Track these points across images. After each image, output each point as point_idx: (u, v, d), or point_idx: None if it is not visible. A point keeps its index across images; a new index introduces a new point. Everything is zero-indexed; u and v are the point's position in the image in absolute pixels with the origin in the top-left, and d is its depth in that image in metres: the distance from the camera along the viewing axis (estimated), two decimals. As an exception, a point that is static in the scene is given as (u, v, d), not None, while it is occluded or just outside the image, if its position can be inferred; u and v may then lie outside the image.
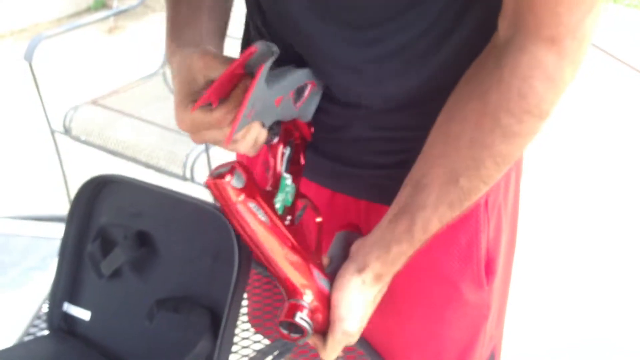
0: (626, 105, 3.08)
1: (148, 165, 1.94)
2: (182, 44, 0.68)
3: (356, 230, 0.74)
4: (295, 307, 0.62)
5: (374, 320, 0.67)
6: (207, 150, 1.90)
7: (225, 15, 0.74)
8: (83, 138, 2.04)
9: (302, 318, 0.62)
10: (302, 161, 0.73)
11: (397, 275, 0.68)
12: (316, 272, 0.64)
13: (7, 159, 2.58)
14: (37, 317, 0.87)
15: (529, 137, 0.60)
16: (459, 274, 0.78)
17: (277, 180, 0.67)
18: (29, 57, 2.00)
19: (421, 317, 0.82)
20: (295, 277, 0.63)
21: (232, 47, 0.84)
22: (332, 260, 0.69)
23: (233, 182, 0.59)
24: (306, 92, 0.69)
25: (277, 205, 0.65)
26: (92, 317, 0.80)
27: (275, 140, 0.68)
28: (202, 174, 1.94)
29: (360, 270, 0.64)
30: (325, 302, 0.64)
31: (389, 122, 0.71)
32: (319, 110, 0.73)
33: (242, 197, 0.60)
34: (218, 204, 0.62)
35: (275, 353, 0.86)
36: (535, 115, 0.58)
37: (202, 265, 0.76)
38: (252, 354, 0.85)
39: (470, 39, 0.63)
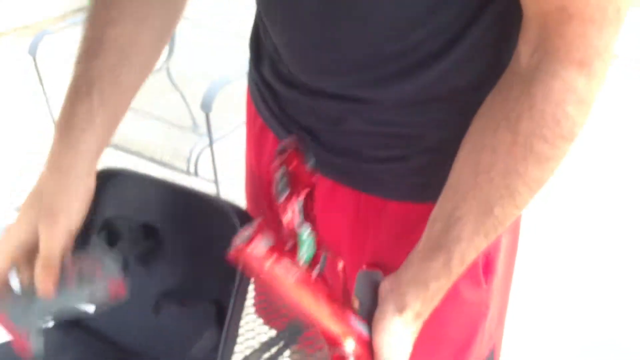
0: (627, 103, 3.07)
1: (152, 160, 1.95)
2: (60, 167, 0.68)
3: (378, 269, 0.73)
4: (340, 358, 0.61)
5: None
6: (211, 145, 1.90)
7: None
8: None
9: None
10: (313, 208, 0.71)
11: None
12: (352, 318, 0.63)
13: (11, 153, 2.59)
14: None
15: (561, 160, 0.60)
16: None
17: (295, 235, 0.66)
18: (33, 51, 2.00)
19: None
20: (334, 326, 0.61)
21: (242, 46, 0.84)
22: (362, 302, 0.67)
23: (262, 246, 0.58)
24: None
25: (303, 260, 0.63)
26: (96, 308, 0.81)
27: (285, 195, 0.67)
28: (206, 169, 1.94)
29: (401, 310, 0.63)
30: (367, 347, 0.63)
31: (390, 118, 0.71)
32: (319, 101, 0.73)
33: (271, 261, 0.59)
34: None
35: (281, 344, 0.87)
36: (568, 139, 0.58)
37: (207, 257, 0.76)
38: (257, 346, 0.86)
39: (482, 41, 0.63)
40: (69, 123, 0.69)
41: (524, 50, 0.59)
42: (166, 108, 2.14)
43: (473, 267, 0.77)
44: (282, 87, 0.78)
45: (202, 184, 1.93)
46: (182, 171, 1.90)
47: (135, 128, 2.05)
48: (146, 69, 0.75)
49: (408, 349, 0.64)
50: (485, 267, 0.79)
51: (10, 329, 0.64)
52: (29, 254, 0.65)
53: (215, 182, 1.96)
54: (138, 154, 1.97)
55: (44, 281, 0.62)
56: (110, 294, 0.69)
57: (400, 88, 0.68)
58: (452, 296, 0.79)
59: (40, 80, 2.05)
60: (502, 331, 0.93)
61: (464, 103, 0.66)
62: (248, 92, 0.92)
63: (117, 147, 2.00)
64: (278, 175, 0.67)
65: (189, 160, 1.90)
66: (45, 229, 0.64)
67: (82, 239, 0.81)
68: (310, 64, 0.72)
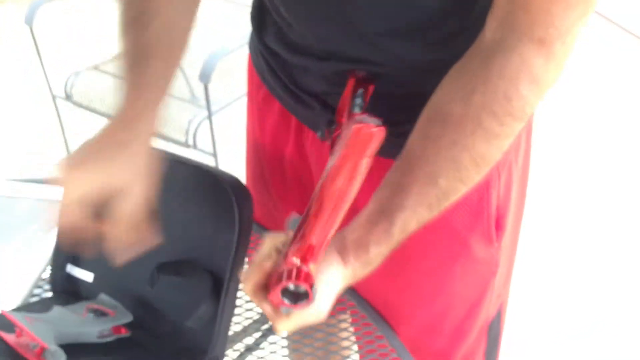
0: (633, 76, 3.05)
1: (150, 132, 1.93)
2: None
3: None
4: (309, 276, 0.57)
5: (380, 276, 0.66)
6: (209, 117, 1.89)
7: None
8: (85, 104, 2.03)
9: (313, 286, 0.57)
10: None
11: None
12: None
13: (10, 124, 2.58)
14: (41, 279, 0.87)
15: (509, 139, 0.60)
16: (469, 229, 0.78)
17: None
18: (29, 21, 1.98)
19: (429, 272, 0.82)
20: (326, 246, 0.58)
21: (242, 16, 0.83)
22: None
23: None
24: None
25: None
26: (95, 278, 0.81)
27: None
28: (205, 141, 1.93)
29: (344, 265, 0.63)
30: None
31: (404, 79, 0.71)
32: (331, 65, 0.73)
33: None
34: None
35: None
36: (517, 118, 0.58)
37: (203, 229, 0.76)
38: (256, 317, 0.86)
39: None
40: (136, 92, 0.72)
41: (490, 23, 0.58)
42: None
43: (485, 223, 0.78)
44: (290, 54, 0.78)
45: (200, 156, 1.92)
46: (180, 143, 1.89)
47: (133, 99, 2.04)
48: (188, 31, 0.76)
49: (335, 295, 0.62)
50: (496, 223, 0.79)
51: (30, 338, 0.67)
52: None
53: (214, 154, 1.95)
54: (136, 126, 1.95)
55: (128, 239, 0.67)
56: (114, 332, 0.74)
57: (413, 53, 0.68)
58: (464, 254, 0.80)
59: (37, 50, 2.02)
60: (508, 290, 0.93)
61: None
62: (250, 62, 0.91)
63: (115, 118, 1.98)
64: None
65: (187, 132, 1.89)
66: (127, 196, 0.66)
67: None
68: (324, 34, 0.71)
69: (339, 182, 0.53)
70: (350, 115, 0.69)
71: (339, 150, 0.53)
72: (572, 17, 0.55)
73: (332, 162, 0.54)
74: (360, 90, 0.70)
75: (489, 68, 0.58)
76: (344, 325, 0.89)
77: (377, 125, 0.51)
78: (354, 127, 0.51)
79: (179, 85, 2.14)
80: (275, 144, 0.90)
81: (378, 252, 0.63)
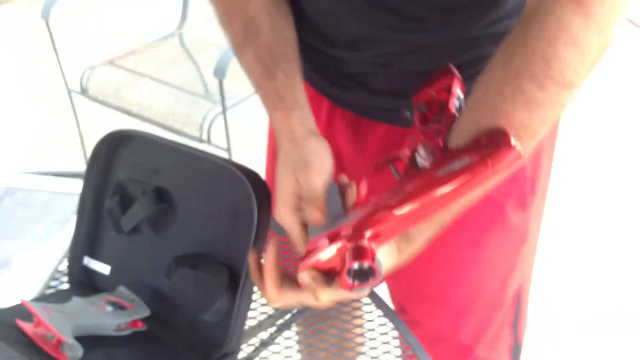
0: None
1: (164, 127, 1.94)
2: (289, 107, 0.70)
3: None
4: (372, 252, 0.55)
5: (416, 256, 0.64)
6: (224, 112, 1.89)
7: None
8: (100, 98, 2.04)
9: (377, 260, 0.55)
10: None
11: None
12: None
13: (26, 118, 2.59)
14: (58, 271, 0.87)
15: (552, 108, 0.57)
16: (504, 194, 0.78)
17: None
18: (45, 15, 1.99)
19: (465, 245, 0.82)
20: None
21: None
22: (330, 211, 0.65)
23: None
24: None
25: None
26: (111, 271, 0.81)
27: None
28: (219, 137, 1.93)
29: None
30: None
31: (445, 55, 0.71)
32: (366, 46, 0.73)
33: None
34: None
35: (294, 311, 0.87)
36: (557, 82, 0.56)
37: (220, 222, 0.76)
38: (271, 312, 0.86)
39: None
40: (275, 92, 0.72)
41: None
42: (179, 75, 2.12)
43: (520, 186, 0.77)
44: (325, 45, 0.78)
45: (214, 152, 1.93)
46: (194, 138, 1.89)
47: (147, 95, 2.04)
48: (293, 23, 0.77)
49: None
50: (529, 187, 0.79)
51: (48, 329, 0.67)
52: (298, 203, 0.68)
53: (228, 149, 1.96)
54: (150, 121, 1.96)
55: (313, 214, 0.65)
56: (131, 326, 0.73)
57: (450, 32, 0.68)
58: (500, 221, 0.79)
59: (54, 44, 2.03)
60: (533, 260, 0.91)
61: None
62: None
63: (129, 113, 1.99)
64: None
65: (201, 128, 1.89)
66: (303, 176, 0.67)
67: (95, 202, 0.81)
68: (367, 21, 0.72)
69: (454, 191, 0.53)
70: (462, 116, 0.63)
71: (470, 159, 0.53)
72: None
73: (454, 166, 0.53)
74: (458, 90, 0.66)
75: (527, 31, 0.56)
76: (358, 321, 0.88)
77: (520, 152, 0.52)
78: (507, 150, 0.51)
79: (193, 80, 2.15)
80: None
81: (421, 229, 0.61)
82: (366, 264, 0.54)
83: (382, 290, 0.91)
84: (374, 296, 0.85)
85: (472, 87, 0.60)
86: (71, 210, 0.97)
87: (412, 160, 0.61)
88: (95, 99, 2.05)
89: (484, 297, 0.86)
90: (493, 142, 0.54)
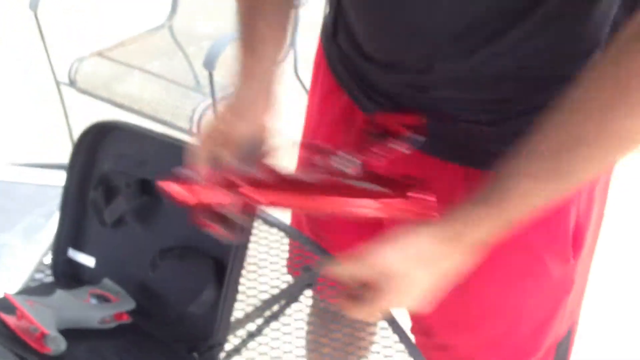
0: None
1: (154, 119, 1.92)
2: (260, 59, 0.75)
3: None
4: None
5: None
6: (214, 104, 1.88)
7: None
8: (89, 90, 2.02)
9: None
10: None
11: None
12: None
13: (14, 109, 2.57)
14: (43, 264, 0.87)
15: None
16: (544, 245, 0.76)
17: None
18: (34, 6, 1.97)
19: (499, 286, 0.80)
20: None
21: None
22: None
23: None
24: None
25: None
26: (96, 263, 0.80)
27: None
28: (209, 128, 1.92)
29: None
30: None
31: (481, 84, 0.68)
32: (404, 69, 0.71)
33: None
34: None
35: (282, 302, 0.86)
36: None
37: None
38: (259, 304, 0.85)
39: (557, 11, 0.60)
40: (250, 38, 0.76)
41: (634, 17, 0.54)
42: (169, 67, 2.11)
43: (562, 240, 0.75)
44: (360, 58, 0.77)
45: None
46: (184, 131, 1.88)
47: (137, 86, 2.03)
48: None
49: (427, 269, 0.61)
50: (574, 240, 0.76)
51: (31, 322, 0.67)
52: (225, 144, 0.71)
53: (218, 142, 1.95)
54: (140, 113, 1.95)
55: (225, 157, 0.69)
56: (115, 319, 0.74)
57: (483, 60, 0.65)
58: (538, 271, 0.78)
59: (42, 36, 2.01)
60: (580, 308, 0.90)
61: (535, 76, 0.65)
62: (319, 51, 0.90)
63: (118, 105, 1.98)
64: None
65: (191, 120, 1.88)
66: (234, 121, 0.72)
67: (79, 194, 0.80)
68: (392, 44, 0.71)
69: (346, 202, 0.59)
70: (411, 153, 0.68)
71: (388, 194, 0.57)
72: None
73: (369, 186, 0.58)
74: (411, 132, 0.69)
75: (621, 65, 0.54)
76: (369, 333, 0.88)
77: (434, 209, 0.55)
78: (422, 197, 0.56)
79: (183, 72, 2.13)
80: (335, 138, 0.87)
81: (479, 214, 0.59)
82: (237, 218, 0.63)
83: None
84: (391, 319, 0.85)
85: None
86: (57, 202, 0.96)
87: (337, 159, 0.64)
88: (84, 91, 2.03)
89: (516, 338, 0.85)
90: (417, 187, 0.59)
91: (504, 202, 0.58)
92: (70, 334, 0.68)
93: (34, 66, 2.61)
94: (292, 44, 2.12)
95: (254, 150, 0.71)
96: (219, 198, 0.62)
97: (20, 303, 0.68)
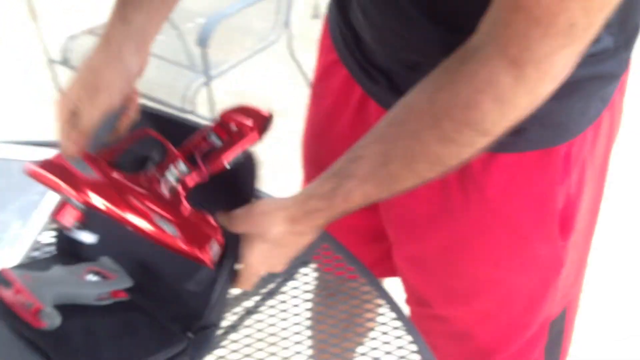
0: None
1: (148, 97, 1.91)
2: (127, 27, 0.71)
3: None
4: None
5: (441, 260, 0.70)
6: (207, 82, 1.87)
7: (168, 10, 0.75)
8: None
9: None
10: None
11: (466, 219, 0.72)
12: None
13: (5, 87, 2.55)
14: (38, 241, 0.87)
15: (467, 149, 0.59)
16: (530, 226, 0.77)
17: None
18: (24, -17, 1.95)
19: (488, 262, 0.82)
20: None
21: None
22: None
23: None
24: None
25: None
26: (98, 241, 0.80)
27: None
28: (203, 107, 1.92)
29: (284, 208, 0.67)
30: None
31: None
32: (393, 42, 0.72)
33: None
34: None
35: (279, 280, 0.86)
36: (473, 129, 0.57)
37: (204, 192, 0.75)
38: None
39: None
40: (116, 11, 0.72)
41: (479, 27, 0.56)
42: (162, 45, 2.08)
43: (548, 221, 0.77)
44: (363, 31, 0.76)
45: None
46: (178, 109, 1.87)
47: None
48: None
49: (272, 239, 0.67)
50: (562, 222, 0.77)
51: (27, 297, 0.67)
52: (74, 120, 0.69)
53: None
54: (133, 91, 1.94)
55: (70, 142, 0.68)
56: (112, 296, 0.73)
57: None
58: (524, 249, 0.79)
59: (34, 13, 1.99)
60: (578, 290, 0.91)
61: None
62: (325, 27, 0.89)
63: (112, 83, 1.97)
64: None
65: (184, 98, 1.87)
66: (87, 101, 0.68)
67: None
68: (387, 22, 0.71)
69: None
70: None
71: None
72: (551, 45, 0.52)
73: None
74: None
75: (460, 70, 0.56)
76: (368, 313, 0.89)
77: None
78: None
79: (177, 50, 2.12)
80: (334, 112, 0.89)
81: (316, 207, 0.65)
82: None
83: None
84: (388, 298, 0.86)
85: None
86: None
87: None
88: (76, 69, 2.02)
89: (509, 312, 0.87)
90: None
91: (332, 199, 0.63)
92: (66, 310, 0.68)
93: (25, 44, 2.58)
94: (287, 23, 2.10)
95: (109, 123, 0.71)
96: (52, 184, 0.65)
97: (16, 277, 0.68)
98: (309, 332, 0.82)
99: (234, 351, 0.78)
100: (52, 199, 0.92)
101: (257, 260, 0.69)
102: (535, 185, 0.75)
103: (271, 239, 0.67)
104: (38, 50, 2.05)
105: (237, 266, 0.70)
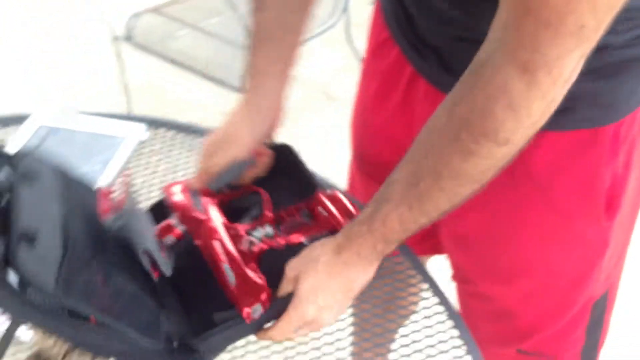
0: None
1: (205, 76, 1.95)
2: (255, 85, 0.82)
3: None
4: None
5: (489, 240, 0.71)
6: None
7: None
8: (144, 45, 2.06)
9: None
10: None
11: (511, 197, 0.74)
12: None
13: (71, 64, 2.64)
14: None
15: (488, 161, 0.58)
16: (575, 206, 0.77)
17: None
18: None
19: (533, 242, 0.83)
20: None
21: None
22: None
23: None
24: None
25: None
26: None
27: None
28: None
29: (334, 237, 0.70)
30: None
31: None
32: (446, 26, 0.72)
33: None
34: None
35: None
36: (491, 139, 0.56)
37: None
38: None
39: None
40: (254, 68, 0.82)
41: (490, 34, 0.56)
42: (222, 25, 2.13)
43: (594, 200, 0.77)
44: (415, 7, 0.77)
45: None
46: (235, 89, 1.90)
47: (190, 44, 2.06)
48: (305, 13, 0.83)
49: (323, 280, 0.68)
50: (608, 202, 0.77)
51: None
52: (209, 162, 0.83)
53: (267, 102, 1.96)
54: (192, 70, 1.98)
55: (197, 177, 0.82)
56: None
57: None
58: (568, 229, 0.80)
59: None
60: (620, 272, 0.91)
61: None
62: (377, 7, 0.90)
63: (172, 61, 2.01)
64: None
65: (241, 78, 1.90)
66: (219, 149, 0.81)
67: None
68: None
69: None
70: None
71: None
72: (562, 48, 0.51)
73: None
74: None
75: (474, 81, 0.56)
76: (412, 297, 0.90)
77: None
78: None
79: (236, 31, 2.15)
80: (384, 91, 0.90)
81: (358, 231, 0.66)
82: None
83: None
84: (431, 282, 0.87)
85: None
86: (113, 151, 1.00)
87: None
88: (140, 46, 2.07)
89: (551, 293, 0.87)
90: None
91: (371, 223, 0.65)
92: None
93: (90, 21, 2.66)
94: (345, 9, 2.11)
95: (237, 169, 0.82)
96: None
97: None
98: (350, 310, 0.83)
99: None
100: (112, 170, 0.96)
101: (308, 294, 0.68)
102: (582, 165, 0.74)
103: (320, 269, 0.68)
104: (103, 27, 2.11)
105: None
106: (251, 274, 0.70)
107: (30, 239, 0.57)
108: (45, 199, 0.64)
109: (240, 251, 0.72)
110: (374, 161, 0.99)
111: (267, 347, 0.78)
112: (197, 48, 2.03)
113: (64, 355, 0.68)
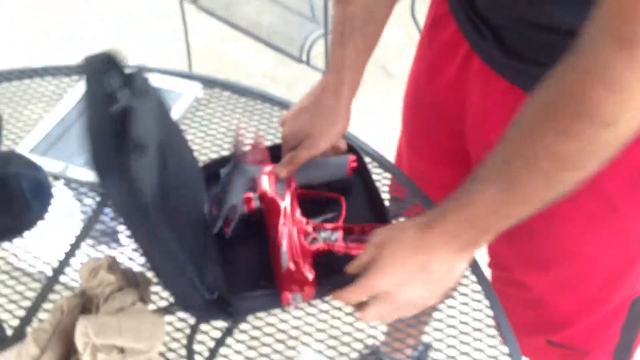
0: None
1: (268, 44, 1.98)
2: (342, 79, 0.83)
3: None
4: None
5: (526, 227, 0.67)
6: (325, 35, 1.90)
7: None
8: (209, 9, 2.09)
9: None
10: None
11: None
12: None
13: (139, 26, 2.70)
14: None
15: (589, 145, 0.54)
16: (621, 195, 0.75)
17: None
18: None
19: (573, 231, 0.81)
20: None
21: None
22: None
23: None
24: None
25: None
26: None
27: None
28: (318, 59, 1.95)
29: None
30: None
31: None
32: (506, 5, 0.72)
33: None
34: None
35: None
36: (591, 121, 0.52)
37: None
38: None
39: None
40: (343, 61, 0.83)
41: (592, 16, 0.53)
42: (287, -6, 2.14)
43: None
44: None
45: (311, 72, 1.96)
46: (295, 58, 1.92)
47: (255, 10, 2.08)
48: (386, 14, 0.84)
49: (407, 253, 0.66)
50: None
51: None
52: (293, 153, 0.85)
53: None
54: (255, 37, 2.01)
55: (283, 166, 0.84)
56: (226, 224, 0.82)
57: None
58: (612, 221, 0.78)
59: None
60: None
61: None
62: None
63: (236, 27, 2.04)
64: None
65: (302, 49, 1.91)
66: (308, 145, 0.83)
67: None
68: None
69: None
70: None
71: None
72: None
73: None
74: None
75: (571, 61, 0.53)
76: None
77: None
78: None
79: (300, 0, 2.16)
80: (439, 65, 0.89)
81: (444, 207, 0.64)
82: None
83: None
84: (477, 271, 0.86)
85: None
86: (178, 107, 1.04)
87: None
88: (205, 9, 2.11)
89: (588, 285, 0.86)
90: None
91: (458, 199, 0.62)
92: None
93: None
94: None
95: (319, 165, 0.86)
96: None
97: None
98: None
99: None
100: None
101: (387, 261, 0.66)
102: (631, 156, 0.72)
103: (405, 240, 0.66)
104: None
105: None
106: (304, 266, 0.74)
107: (141, 150, 0.62)
108: (150, 119, 0.69)
109: (302, 243, 0.76)
110: (422, 136, 0.99)
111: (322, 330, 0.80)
112: (261, 15, 2.05)
113: (107, 296, 0.72)
